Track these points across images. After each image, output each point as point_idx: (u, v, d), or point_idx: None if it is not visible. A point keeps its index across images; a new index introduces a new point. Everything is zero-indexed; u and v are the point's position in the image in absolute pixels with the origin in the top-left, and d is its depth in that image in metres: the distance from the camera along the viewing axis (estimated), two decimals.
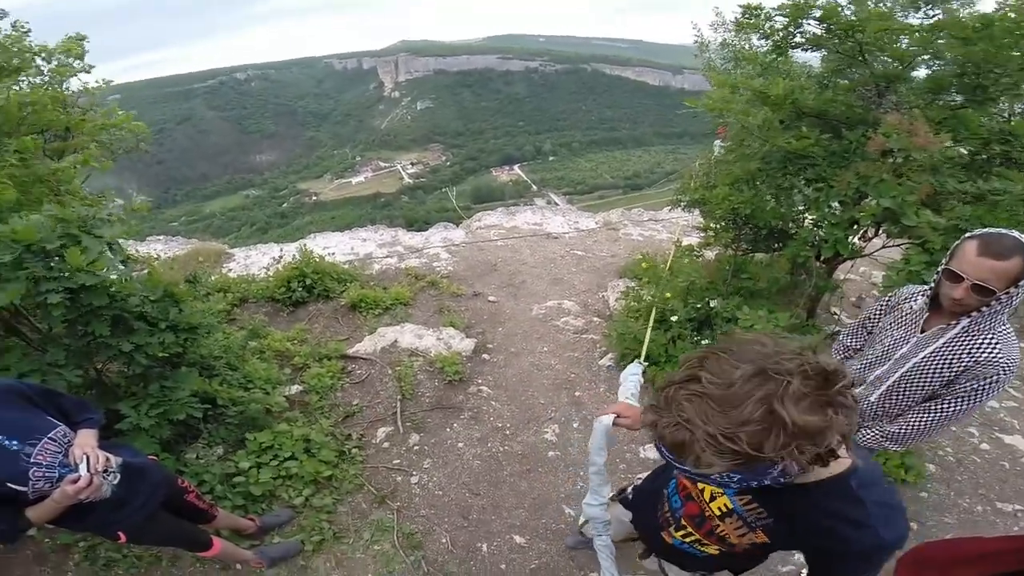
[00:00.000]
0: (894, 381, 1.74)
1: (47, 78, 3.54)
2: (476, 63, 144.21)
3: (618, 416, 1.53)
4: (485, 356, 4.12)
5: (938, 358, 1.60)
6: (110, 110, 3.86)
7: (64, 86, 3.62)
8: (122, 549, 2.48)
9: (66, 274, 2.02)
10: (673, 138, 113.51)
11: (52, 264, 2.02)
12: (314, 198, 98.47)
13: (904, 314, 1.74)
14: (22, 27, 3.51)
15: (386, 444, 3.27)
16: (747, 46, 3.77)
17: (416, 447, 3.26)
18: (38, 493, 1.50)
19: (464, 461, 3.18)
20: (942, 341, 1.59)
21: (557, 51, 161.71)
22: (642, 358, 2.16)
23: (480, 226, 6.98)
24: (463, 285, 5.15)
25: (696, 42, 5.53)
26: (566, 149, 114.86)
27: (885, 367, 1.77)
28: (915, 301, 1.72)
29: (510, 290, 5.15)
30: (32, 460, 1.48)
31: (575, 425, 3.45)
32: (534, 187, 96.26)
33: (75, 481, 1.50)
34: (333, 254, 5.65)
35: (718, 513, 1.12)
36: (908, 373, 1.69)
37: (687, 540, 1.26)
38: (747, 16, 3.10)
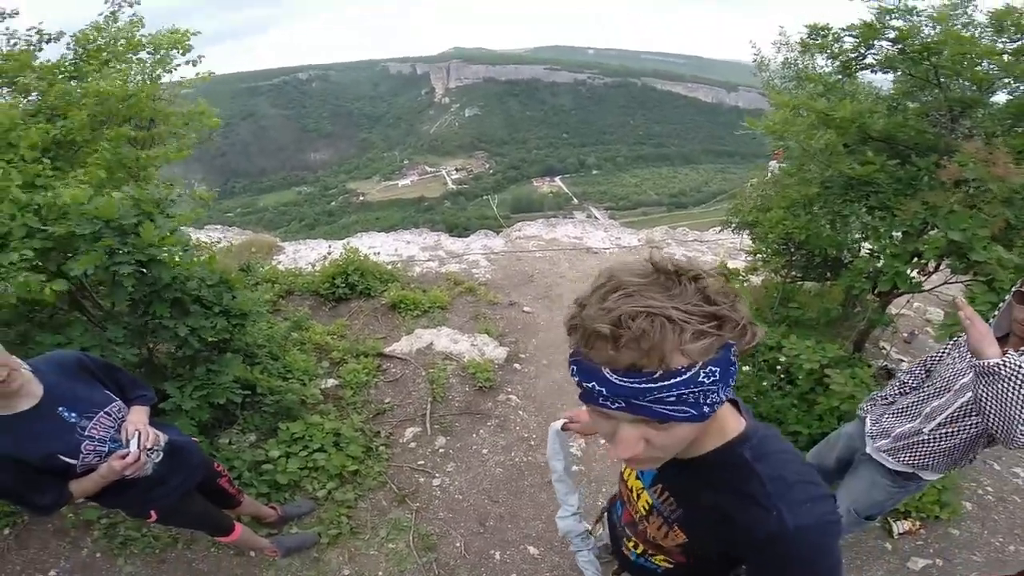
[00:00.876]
0: (952, 412, 1.66)
1: (148, 69, 3.65)
2: (524, 73, 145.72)
3: (569, 420, 1.47)
4: (517, 366, 4.11)
5: None
6: (196, 105, 4.00)
7: (160, 77, 3.75)
8: (141, 528, 2.56)
9: (138, 248, 2.16)
10: (724, 156, 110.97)
11: (127, 240, 2.16)
12: (361, 198, 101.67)
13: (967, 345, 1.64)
14: (139, 21, 3.65)
15: (412, 444, 3.31)
16: (810, 66, 3.64)
17: (441, 450, 3.28)
18: (86, 467, 1.55)
19: (487, 468, 3.17)
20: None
21: (607, 64, 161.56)
22: None
23: (520, 236, 7.00)
24: (500, 293, 5.17)
25: (755, 60, 5.38)
26: (610, 163, 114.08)
27: (943, 399, 1.70)
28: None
29: (546, 302, 5.13)
30: (86, 433, 1.54)
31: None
32: (575, 200, 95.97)
33: (123, 457, 1.54)
34: (378, 253, 5.80)
35: (643, 512, 0.97)
36: (967, 404, 1.61)
37: (637, 551, 1.09)
38: (813, 37, 2.99)
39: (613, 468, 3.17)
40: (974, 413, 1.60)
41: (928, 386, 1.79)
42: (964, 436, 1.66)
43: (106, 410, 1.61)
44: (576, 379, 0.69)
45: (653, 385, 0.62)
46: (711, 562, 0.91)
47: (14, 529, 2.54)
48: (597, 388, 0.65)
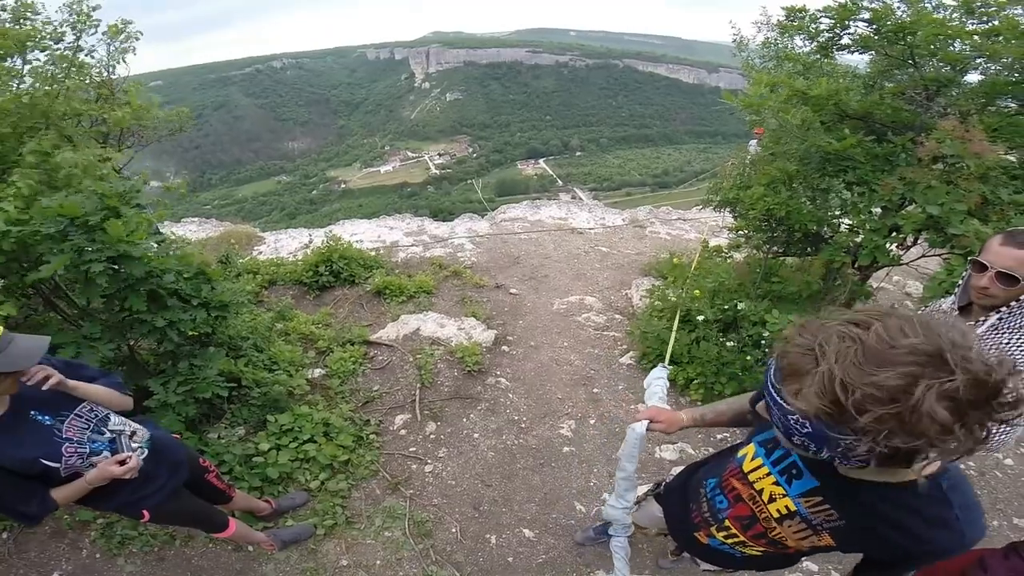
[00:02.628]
0: None
1: (60, 62, 3.30)
2: (505, 56, 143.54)
3: (651, 421, 1.51)
4: (505, 348, 4.12)
5: None
6: (150, 102, 3.78)
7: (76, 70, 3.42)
8: (137, 527, 2.54)
9: (107, 245, 2.09)
10: (705, 137, 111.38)
11: (95, 236, 2.09)
12: (343, 185, 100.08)
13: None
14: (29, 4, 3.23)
15: (403, 431, 3.31)
16: (789, 46, 3.65)
17: (432, 436, 3.29)
18: (70, 470, 1.52)
19: (479, 452, 3.19)
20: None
21: (588, 46, 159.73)
22: (666, 361, 2.13)
23: (505, 218, 6.97)
24: (486, 276, 5.15)
25: (734, 40, 5.37)
26: (594, 145, 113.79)
27: None
28: (945, 302, 1.69)
29: (532, 283, 5.14)
30: (64, 435, 1.50)
31: (591, 421, 3.42)
32: (559, 181, 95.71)
33: (122, 463, 1.52)
34: (360, 241, 5.73)
35: (776, 516, 1.08)
36: None
37: (728, 541, 1.23)
38: (791, 18, 3.00)
39: (603, 450, 3.21)
40: None
41: None
42: None
43: (76, 411, 1.57)
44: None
45: (777, 398, 0.83)
46: (790, 557, 1.11)
47: (12, 533, 2.52)
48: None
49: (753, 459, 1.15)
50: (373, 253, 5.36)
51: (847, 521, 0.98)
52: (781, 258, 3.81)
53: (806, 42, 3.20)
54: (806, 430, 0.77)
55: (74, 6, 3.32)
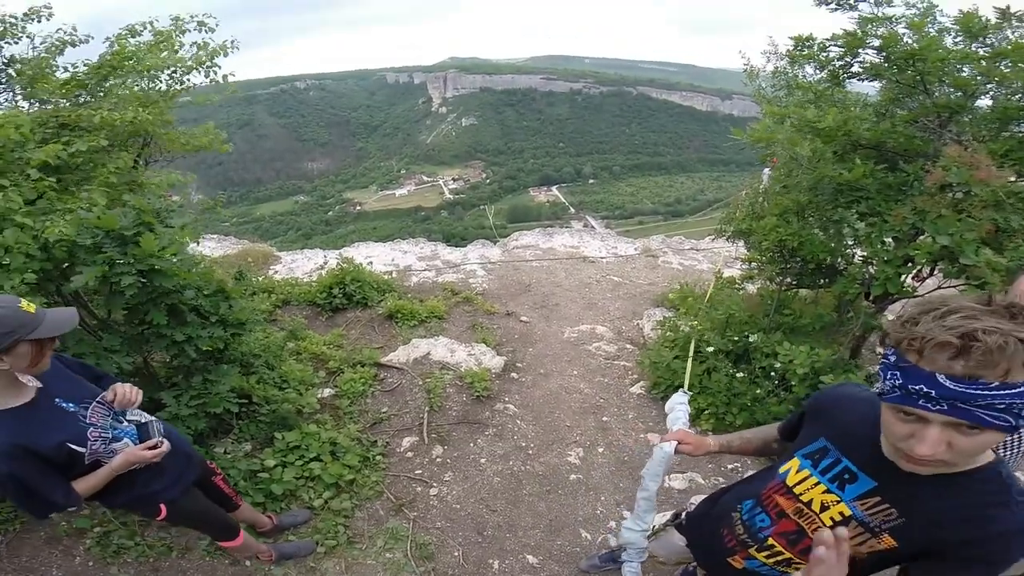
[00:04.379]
0: None
1: (167, 84, 3.38)
2: (520, 82, 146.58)
3: (680, 443, 1.52)
4: (514, 375, 4.12)
5: None
6: (203, 128, 3.74)
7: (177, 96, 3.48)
8: (134, 537, 2.54)
9: (139, 259, 2.17)
10: (719, 165, 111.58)
11: (127, 250, 2.17)
12: (358, 208, 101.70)
13: None
14: (170, 35, 3.31)
15: (410, 454, 3.30)
16: (799, 75, 3.69)
17: (439, 459, 3.27)
18: (94, 456, 1.57)
19: (484, 477, 3.16)
20: None
21: (603, 73, 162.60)
22: (685, 387, 2.13)
23: (517, 245, 7.03)
24: (497, 303, 5.18)
25: (745, 70, 5.45)
26: (607, 172, 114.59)
27: None
28: None
29: (543, 311, 5.15)
30: (88, 421, 1.57)
31: (600, 450, 3.38)
32: (571, 209, 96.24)
33: (153, 448, 1.60)
34: (373, 264, 5.81)
35: (830, 524, 1.07)
36: None
37: (770, 561, 1.21)
38: (799, 48, 3.04)
39: (611, 478, 3.16)
40: None
41: None
42: None
43: (97, 399, 1.64)
44: (897, 383, 0.83)
45: (989, 392, 0.75)
46: (863, 571, 1.06)
47: (6, 537, 2.52)
48: (925, 391, 0.79)
49: (799, 471, 1.15)
50: (386, 276, 5.43)
51: (907, 519, 0.98)
52: (794, 290, 3.78)
53: (816, 71, 3.23)
54: None
55: (201, 50, 3.41)
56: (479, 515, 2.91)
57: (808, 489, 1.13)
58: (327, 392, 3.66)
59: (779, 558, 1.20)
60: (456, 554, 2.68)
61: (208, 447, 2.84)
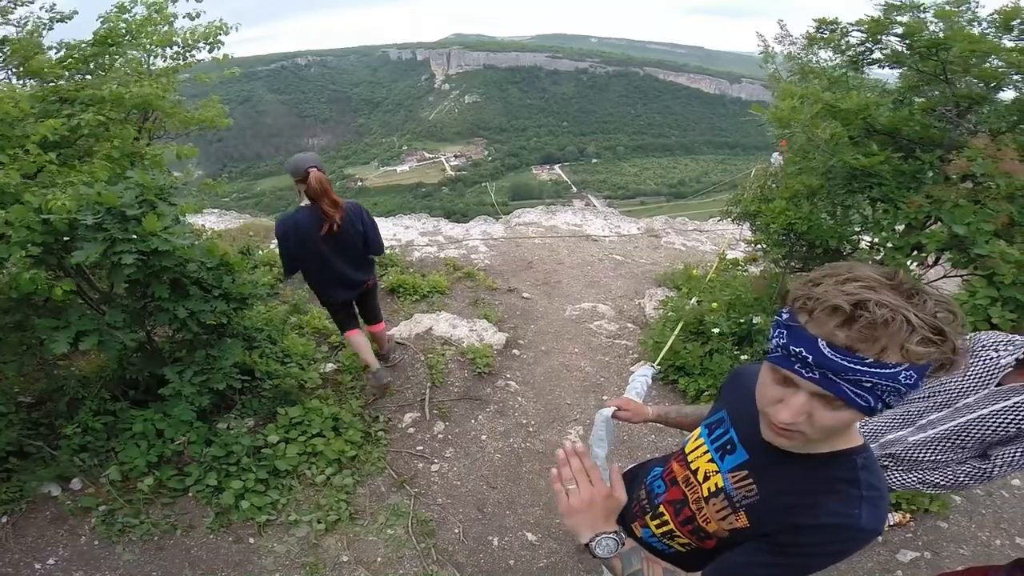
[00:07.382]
0: (948, 429, 1.64)
1: (170, 61, 3.43)
2: (525, 60, 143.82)
3: (619, 408, 1.55)
4: (515, 352, 4.12)
5: (1010, 416, 1.51)
6: (206, 102, 3.83)
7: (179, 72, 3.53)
8: (139, 515, 2.55)
9: (140, 238, 2.14)
10: (724, 148, 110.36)
11: (128, 227, 2.13)
12: (359, 183, 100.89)
13: (982, 362, 1.61)
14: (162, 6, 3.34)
15: (411, 429, 3.32)
16: (814, 60, 3.61)
17: (440, 435, 3.29)
18: None
19: (485, 454, 3.19)
20: (1020, 399, 1.50)
21: (609, 53, 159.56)
22: (655, 361, 2.13)
23: (519, 222, 6.97)
24: (499, 279, 5.16)
25: (761, 53, 5.32)
26: (610, 152, 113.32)
27: (942, 413, 1.67)
28: (1003, 355, 1.59)
29: (545, 288, 5.13)
30: None
31: (594, 434, 3.40)
32: (574, 188, 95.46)
33: None
34: None
35: (706, 494, 1.06)
36: (969, 425, 1.59)
37: (658, 531, 1.20)
38: (821, 30, 2.96)
39: (610, 457, 3.18)
40: (975, 434, 1.57)
41: (927, 390, 1.75)
42: (959, 455, 1.64)
43: None
44: (780, 342, 0.80)
45: (861, 368, 0.72)
46: (722, 550, 1.03)
47: (12, 517, 2.54)
48: (803, 355, 0.76)
49: (696, 439, 1.15)
50: (388, 251, 5.40)
51: (761, 497, 0.96)
52: (799, 273, 3.75)
53: (834, 56, 3.16)
54: (910, 381, 0.74)
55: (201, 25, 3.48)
56: (480, 492, 2.94)
57: (698, 457, 1.11)
58: (329, 367, 3.66)
59: (665, 528, 1.18)
60: (456, 530, 2.71)
61: (211, 423, 2.84)
